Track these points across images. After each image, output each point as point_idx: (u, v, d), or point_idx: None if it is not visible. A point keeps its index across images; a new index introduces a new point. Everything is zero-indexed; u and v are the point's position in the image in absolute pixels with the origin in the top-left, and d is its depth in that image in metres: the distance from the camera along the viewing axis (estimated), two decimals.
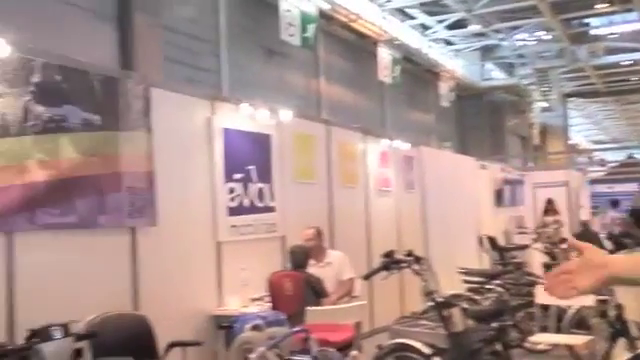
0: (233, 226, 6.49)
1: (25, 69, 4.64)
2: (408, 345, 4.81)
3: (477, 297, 7.27)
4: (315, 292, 5.78)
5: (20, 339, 4.10)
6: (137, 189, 5.41)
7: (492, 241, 11.24)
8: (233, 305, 6.22)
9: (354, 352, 4.95)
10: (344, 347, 5.15)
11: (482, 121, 21.44)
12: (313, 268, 6.17)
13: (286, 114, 7.22)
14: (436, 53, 18.21)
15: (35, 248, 4.67)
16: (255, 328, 3.89)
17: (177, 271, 5.86)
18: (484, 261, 11.42)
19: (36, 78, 4.70)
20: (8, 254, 4.51)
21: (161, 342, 4.70)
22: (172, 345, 4.66)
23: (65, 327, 3.50)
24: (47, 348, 3.37)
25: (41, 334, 3.40)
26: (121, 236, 5.40)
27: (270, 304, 5.82)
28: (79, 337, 3.73)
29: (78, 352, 3.79)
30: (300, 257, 5.90)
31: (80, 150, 4.96)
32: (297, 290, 5.69)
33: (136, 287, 5.48)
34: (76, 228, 4.95)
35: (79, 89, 5.02)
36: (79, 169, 4.95)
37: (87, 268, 5.02)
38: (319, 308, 5.55)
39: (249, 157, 6.75)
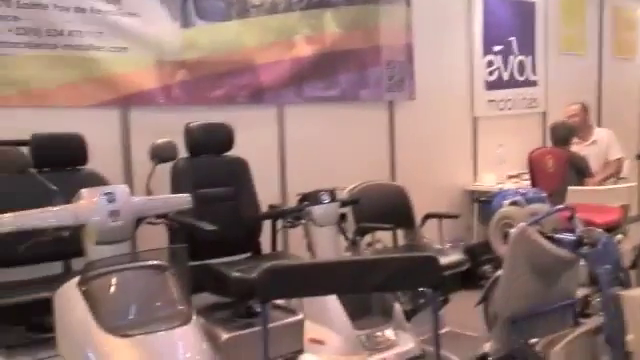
0: (491, 101, 6.32)
1: None
2: None
3: None
4: (578, 171, 5.48)
5: (291, 202, 4.47)
6: (396, 63, 5.46)
7: None
8: (488, 181, 6.16)
9: (619, 236, 4.66)
10: (608, 230, 4.87)
11: None
12: (577, 146, 5.84)
13: None
14: None
15: (302, 120, 4.97)
16: (514, 204, 3.80)
17: (433, 145, 5.91)
18: None
19: None
20: (280, 125, 4.87)
21: (417, 213, 4.83)
22: (428, 216, 4.76)
23: (332, 193, 3.71)
24: (317, 211, 3.61)
25: (311, 198, 3.65)
26: (380, 110, 5.54)
27: (528, 181, 5.66)
28: (344, 203, 3.94)
29: (342, 216, 4.02)
30: (563, 134, 5.58)
31: (342, 24, 5.07)
32: (559, 168, 5.44)
33: (393, 159, 5.65)
34: (339, 101, 5.17)
35: None
36: (341, 43, 5.09)
37: (348, 140, 5.25)
38: (582, 188, 5.27)
39: (510, 27, 6.42)
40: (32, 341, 3.08)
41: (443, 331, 3.35)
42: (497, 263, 5.06)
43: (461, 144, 6.27)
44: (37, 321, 3.14)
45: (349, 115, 5.27)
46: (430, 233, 4.77)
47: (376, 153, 5.51)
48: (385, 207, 4.68)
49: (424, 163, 5.80)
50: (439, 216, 4.73)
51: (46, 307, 2.59)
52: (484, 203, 5.84)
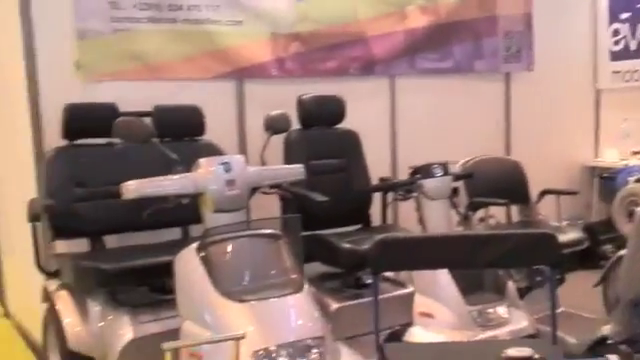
0: (616, 72, 5.99)
1: None
2: None
3: None
4: None
5: (401, 175, 4.45)
6: (513, 33, 5.28)
7: None
8: (611, 157, 5.87)
9: None
10: None
11: None
12: None
13: None
14: None
15: (414, 92, 4.91)
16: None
17: (551, 118, 5.68)
18: None
19: None
20: (391, 97, 4.83)
21: (534, 189, 4.69)
22: (545, 192, 4.61)
23: (444, 166, 3.66)
24: (429, 184, 3.58)
25: (423, 171, 3.61)
26: (495, 82, 5.38)
27: None
28: (457, 177, 3.88)
29: (454, 191, 3.96)
30: None
31: None
32: None
33: (508, 133, 5.49)
34: (452, 73, 5.06)
35: None
36: (456, 13, 4.97)
37: (462, 112, 5.14)
38: None
39: None
40: (154, 301, 3.23)
41: (558, 311, 3.24)
42: (619, 243, 4.85)
43: (582, 118, 6.00)
44: (159, 283, 3.31)
45: (463, 87, 5.16)
46: (546, 210, 4.62)
47: (491, 126, 5.37)
48: (499, 182, 4.57)
49: (541, 137, 5.59)
50: (557, 192, 4.57)
51: (167, 270, 2.72)
52: (606, 180, 5.60)
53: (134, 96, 3.69)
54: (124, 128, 2.78)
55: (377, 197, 4.12)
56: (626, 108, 6.03)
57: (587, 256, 4.61)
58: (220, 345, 2.23)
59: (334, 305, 3.54)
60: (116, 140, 3.31)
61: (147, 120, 2.90)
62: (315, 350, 2.44)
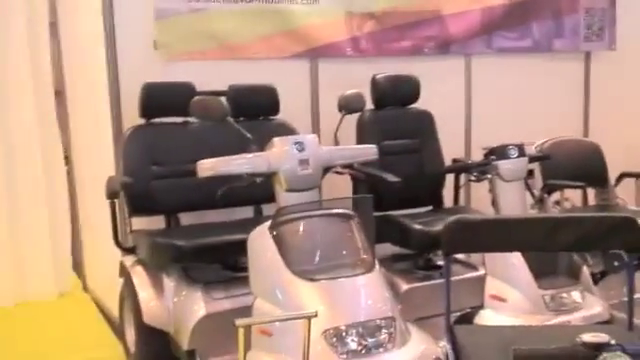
0: None
1: None
2: None
3: None
4: None
5: (474, 157, 4.37)
6: (595, 10, 5.09)
7: None
8: None
9: None
10: None
11: None
12: None
13: None
14: None
15: (490, 72, 4.81)
16: None
17: (633, 99, 5.47)
18: None
19: None
20: (467, 77, 4.75)
21: (612, 171, 4.54)
22: (624, 175, 4.47)
23: (520, 147, 3.58)
24: (504, 165, 3.51)
25: (498, 152, 3.55)
26: (575, 61, 5.21)
27: None
28: (532, 158, 3.80)
29: (529, 173, 3.88)
30: None
31: None
32: None
33: (587, 114, 5.32)
34: (530, 52, 4.93)
35: None
36: None
37: (539, 92, 5.01)
38: None
39: None
40: (227, 279, 3.30)
41: (635, 297, 3.14)
42: None
43: None
44: (231, 260, 3.37)
45: (541, 67, 5.01)
46: (625, 194, 4.47)
47: (569, 107, 5.21)
48: (576, 164, 4.45)
49: (622, 119, 5.39)
50: (636, 175, 4.42)
51: (239, 248, 2.77)
52: None
53: (210, 75, 3.75)
54: (201, 107, 2.83)
55: (449, 178, 4.07)
56: None
57: None
58: (291, 323, 2.26)
59: (404, 286, 3.54)
60: (192, 119, 3.39)
61: (222, 99, 2.93)
62: (385, 330, 2.45)
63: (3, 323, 4.21)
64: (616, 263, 3.49)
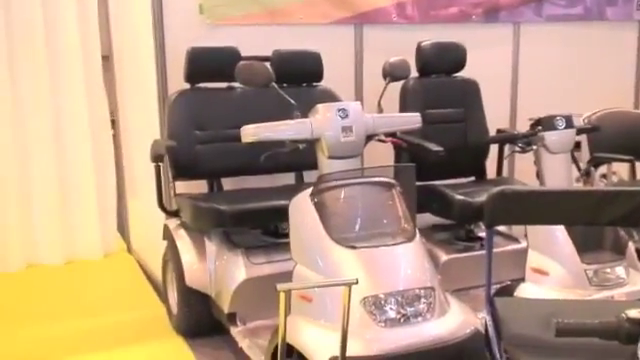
0: None
1: None
2: None
3: None
4: None
5: (520, 127, 4.30)
6: None
7: None
8: None
9: None
10: None
11: None
12: None
13: None
14: None
15: (539, 40, 4.70)
16: None
17: None
18: None
19: None
20: (515, 45, 4.65)
21: None
22: None
23: (568, 119, 3.51)
24: (551, 137, 3.44)
25: (545, 123, 3.47)
26: (628, 30, 5.06)
27: None
28: (580, 130, 3.71)
29: (576, 145, 3.80)
30: None
31: None
32: None
33: (638, 86, 5.18)
34: (582, 20, 4.80)
35: None
36: None
37: (589, 62, 4.89)
38: None
39: None
40: (268, 244, 3.33)
41: None
42: None
43: None
44: (272, 226, 3.40)
45: (592, 35, 4.88)
46: None
47: (620, 78, 5.08)
48: (625, 137, 4.34)
49: None
50: None
51: (280, 214, 2.78)
52: None
53: (254, 40, 3.74)
54: (246, 72, 2.82)
55: (494, 149, 4.02)
56: None
57: None
58: (330, 290, 2.28)
59: (444, 257, 3.53)
60: (236, 84, 3.39)
61: (267, 65, 2.92)
62: (424, 300, 2.45)
63: (53, 280, 4.36)
64: None
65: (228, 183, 3.63)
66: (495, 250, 3.03)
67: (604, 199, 2.19)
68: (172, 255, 3.48)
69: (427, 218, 3.72)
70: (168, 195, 3.56)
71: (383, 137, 3.01)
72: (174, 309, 3.57)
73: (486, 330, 2.26)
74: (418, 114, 3.01)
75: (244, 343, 3.05)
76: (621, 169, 4.33)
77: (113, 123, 4.86)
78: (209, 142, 3.48)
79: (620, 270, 3.31)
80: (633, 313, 1.56)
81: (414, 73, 3.81)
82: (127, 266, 4.62)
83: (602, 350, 1.80)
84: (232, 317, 3.17)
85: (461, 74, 4.00)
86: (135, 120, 4.48)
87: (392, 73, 3.18)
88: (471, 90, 3.98)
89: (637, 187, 3.68)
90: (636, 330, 1.53)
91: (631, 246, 3.42)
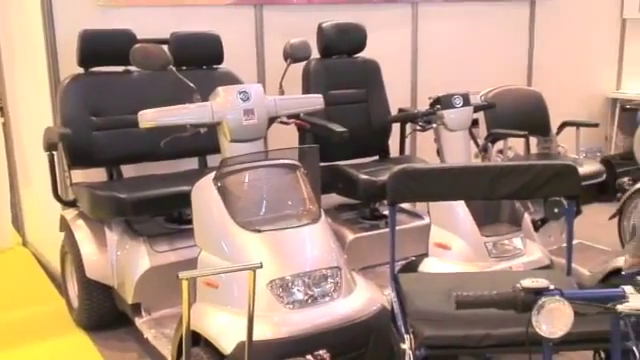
0: None
1: None
2: None
3: None
4: None
5: (420, 106, 4.38)
6: None
7: None
8: (634, 89, 5.76)
9: None
10: None
11: None
12: None
13: None
14: None
15: (437, 19, 4.79)
16: None
17: (575, 48, 5.55)
18: None
19: None
20: (413, 25, 4.72)
21: (553, 120, 4.62)
22: (565, 124, 4.54)
23: (465, 97, 3.59)
24: (449, 115, 3.52)
25: (443, 101, 3.55)
26: (520, 9, 5.23)
27: None
28: (477, 108, 3.82)
29: (474, 122, 3.90)
30: None
31: None
32: None
33: (531, 63, 5.38)
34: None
35: None
36: None
37: (484, 41, 5.03)
38: None
39: None
40: (171, 231, 3.26)
41: (573, 243, 3.24)
42: (637, 175, 4.81)
43: (606, 48, 5.86)
44: (175, 213, 3.33)
45: (487, 14, 5.02)
46: (565, 142, 4.56)
47: (513, 56, 5.26)
48: (519, 113, 4.50)
49: (564, 68, 5.48)
50: (577, 124, 4.50)
51: (183, 200, 2.73)
52: (628, 112, 5.52)
53: (150, 23, 3.63)
54: (141, 55, 2.73)
55: (396, 128, 4.08)
56: None
57: (604, 189, 4.57)
58: (236, 274, 2.25)
59: (350, 236, 3.56)
60: (133, 68, 3.28)
61: (164, 47, 2.84)
62: (330, 280, 2.46)
63: None
64: (556, 210, 3.57)
65: (129, 170, 3.53)
66: (399, 227, 3.10)
67: (501, 174, 2.27)
68: (70, 247, 3.36)
69: (333, 198, 3.74)
70: (64, 185, 3.43)
71: (286, 119, 3.00)
72: (75, 303, 3.45)
73: (392, 306, 2.30)
74: (320, 95, 3.01)
75: (150, 334, 2.99)
76: (517, 144, 4.49)
77: (2, 110, 4.62)
78: (106, 128, 3.37)
79: (517, 241, 3.44)
80: (527, 283, 1.62)
81: (315, 54, 3.81)
82: (23, 260, 4.43)
83: (500, 319, 1.87)
84: (136, 308, 3.10)
85: (362, 55, 4.03)
86: (26, 107, 4.27)
87: (293, 54, 3.16)
88: (372, 70, 4.02)
89: (530, 161, 3.83)
90: (530, 299, 1.59)
91: (527, 217, 3.55)
